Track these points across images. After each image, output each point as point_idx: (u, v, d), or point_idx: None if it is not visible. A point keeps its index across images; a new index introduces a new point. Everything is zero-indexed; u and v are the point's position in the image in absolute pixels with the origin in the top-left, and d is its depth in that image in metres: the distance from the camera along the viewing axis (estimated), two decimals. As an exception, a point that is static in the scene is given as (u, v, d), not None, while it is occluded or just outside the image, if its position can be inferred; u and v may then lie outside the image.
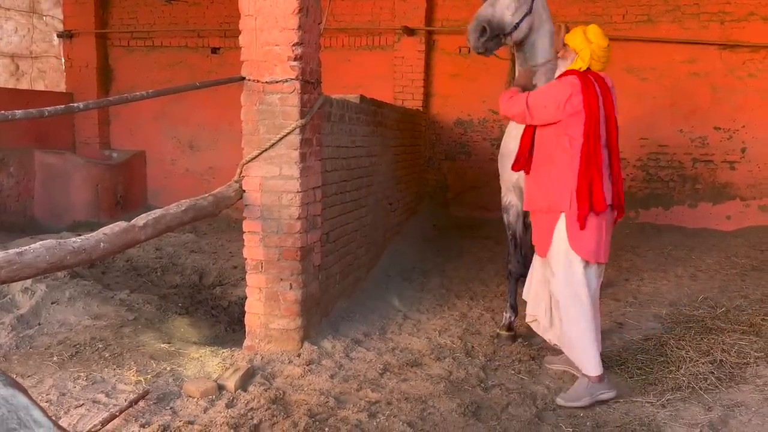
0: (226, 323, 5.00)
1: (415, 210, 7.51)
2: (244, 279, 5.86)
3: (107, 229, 2.68)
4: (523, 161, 3.57)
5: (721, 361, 3.61)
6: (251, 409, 3.11)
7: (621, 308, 4.79)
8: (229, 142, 8.84)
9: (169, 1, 8.12)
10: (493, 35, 3.65)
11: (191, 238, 7.16)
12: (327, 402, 3.19)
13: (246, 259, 3.85)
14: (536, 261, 3.66)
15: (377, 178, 5.54)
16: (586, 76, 3.29)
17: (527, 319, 3.81)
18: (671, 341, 3.92)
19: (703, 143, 7.55)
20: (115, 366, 3.59)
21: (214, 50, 8.80)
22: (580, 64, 3.34)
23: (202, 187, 7.26)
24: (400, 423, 2.97)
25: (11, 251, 2.20)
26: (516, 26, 3.68)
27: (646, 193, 7.79)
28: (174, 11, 8.71)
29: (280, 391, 3.31)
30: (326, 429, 2.92)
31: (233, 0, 8.71)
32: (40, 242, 2.33)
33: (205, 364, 3.69)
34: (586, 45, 3.34)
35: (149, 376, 3.46)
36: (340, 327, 4.22)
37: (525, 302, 3.84)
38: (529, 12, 3.73)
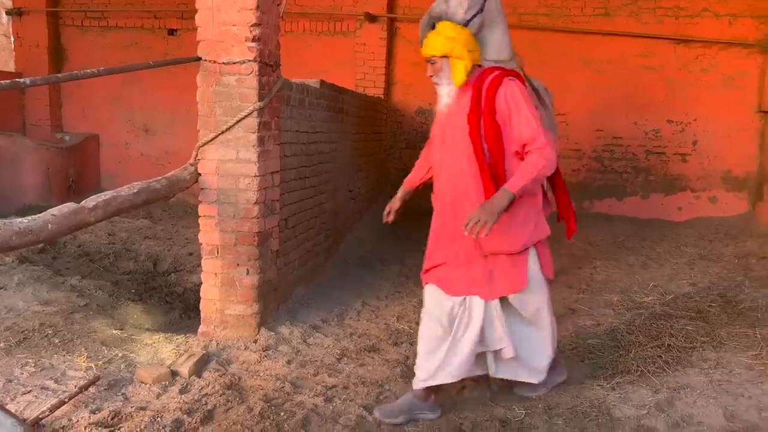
0: (180, 310, 4.92)
1: (376, 198, 7.50)
2: (200, 265, 5.79)
3: (55, 210, 2.60)
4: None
5: (669, 345, 3.73)
6: (205, 394, 3.07)
7: (574, 295, 4.89)
8: (186, 126, 8.61)
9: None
10: None
11: (146, 224, 7.01)
12: (283, 387, 3.18)
13: (202, 244, 3.79)
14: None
15: (337, 165, 5.51)
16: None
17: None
18: (622, 327, 4.03)
19: (656, 136, 7.75)
20: (65, 352, 3.49)
21: (171, 32, 8.58)
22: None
23: (158, 172, 6.99)
24: (356, 406, 2.98)
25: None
26: (467, 23, 3.65)
27: (600, 184, 7.96)
28: (129, -10, 8.46)
29: (236, 377, 3.28)
30: (282, 413, 2.90)
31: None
32: (-12, 221, 2.25)
33: (159, 351, 3.62)
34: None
35: (101, 363, 3.38)
36: (298, 313, 4.20)
37: None
38: (481, 10, 3.66)
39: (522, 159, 2.82)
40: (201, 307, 3.85)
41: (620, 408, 3.04)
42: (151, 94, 8.55)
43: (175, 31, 8.56)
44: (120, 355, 3.53)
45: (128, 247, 6.01)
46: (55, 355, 3.45)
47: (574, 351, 3.73)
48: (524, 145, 2.79)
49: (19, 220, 2.38)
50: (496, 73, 2.89)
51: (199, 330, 3.83)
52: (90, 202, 2.81)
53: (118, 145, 8.89)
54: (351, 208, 6.20)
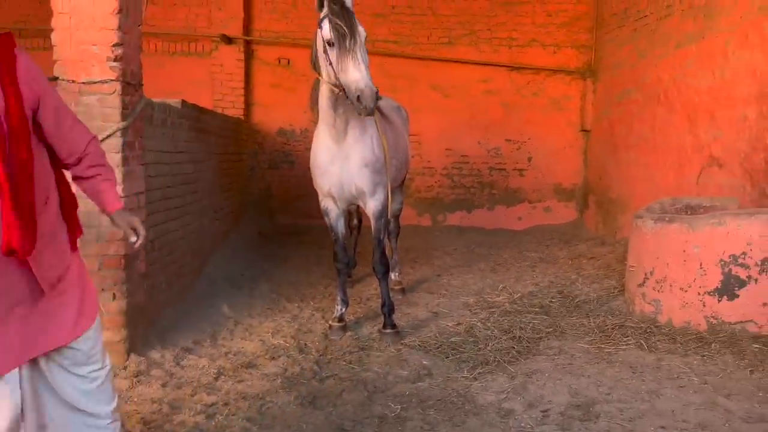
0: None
1: (240, 218, 7.48)
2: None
3: None
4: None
5: (519, 337, 4.18)
6: (77, 425, 2.94)
7: (435, 299, 5.27)
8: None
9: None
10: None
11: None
12: (161, 409, 3.14)
13: (62, 270, 3.61)
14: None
15: (201, 185, 5.47)
16: None
17: None
18: (479, 324, 4.43)
19: (497, 153, 8.52)
20: None
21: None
22: None
23: None
24: (240, 420, 3.03)
25: None
26: None
27: (452, 199, 8.58)
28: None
29: (108, 405, 3.17)
30: (163, 434, 2.88)
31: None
32: None
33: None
34: None
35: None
36: (169, 336, 4.12)
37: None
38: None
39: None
40: (63, 336, 3.65)
41: (483, 395, 3.38)
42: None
43: (11, 47, 7.92)
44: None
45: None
46: None
47: (439, 349, 4.05)
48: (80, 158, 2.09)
49: None
50: None
51: (62, 361, 3.63)
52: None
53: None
54: (216, 228, 6.15)
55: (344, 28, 3.64)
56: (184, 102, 4.90)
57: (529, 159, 8.53)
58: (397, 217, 5.65)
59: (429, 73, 8.26)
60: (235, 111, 7.83)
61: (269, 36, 7.96)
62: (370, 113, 3.67)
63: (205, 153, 5.66)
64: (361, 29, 3.71)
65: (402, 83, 8.02)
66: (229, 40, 7.82)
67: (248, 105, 8.15)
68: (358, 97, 3.60)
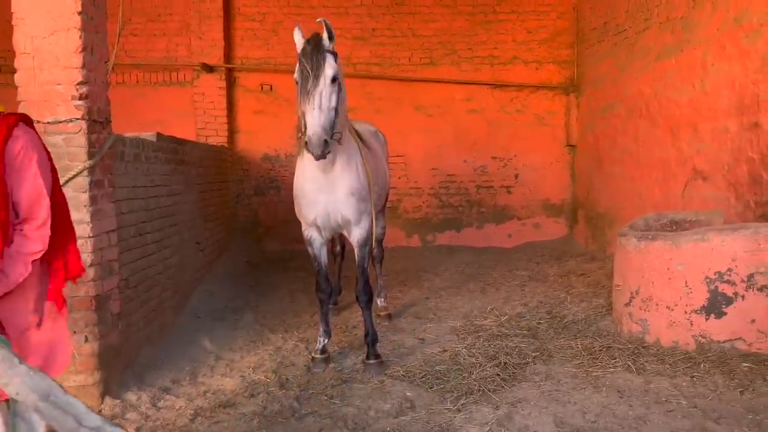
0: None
1: (227, 247, 7.40)
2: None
3: None
4: None
5: (505, 363, 4.08)
6: (45, 477, 2.84)
7: (422, 325, 5.18)
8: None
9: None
10: (328, 141, 3.60)
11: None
12: (133, 456, 3.04)
13: (32, 314, 3.53)
14: None
15: (182, 217, 5.40)
16: None
17: None
18: (464, 350, 4.34)
19: (484, 171, 8.48)
20: None
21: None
22: None
23: None
24: (213, 465, 2.93)
25: None
26: (336, 113, 3.71)
27: (441, 218, 8.52)
28: None
29: (79, 453, 3.07)
30: (133, 484, 2.77)
31: (7, 35, 7.99)
32: None
33: (-14, 437, 3.29)
34: None
35: None
36: (146, 376, 4.02)
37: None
38: (340, 93, 3.78)
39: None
40: (34, 382, 3.55)
41: (466, 428, 3.28)
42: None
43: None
44: (-63, 448, 3.15)
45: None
46: None
47: (424, 379, 3.95)
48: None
49: None
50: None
51: (34, 408, 3.52)
52: None
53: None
54: (200, 260, 6.07)
55: (308, 70, 3.62)
56: (159, 135, 4.84)
57: (516, 176, 8.49)
58: (380, 241, 5.58)
59: (412, 93, 8.25)
60: (219, 139, 7.79)
61: (250, 63, 7.95)
62: (317, 158, 3.64)
63: (185, 184, 5.60)
64: (328, 72, 3.64)
65: (385, 105, 8.00)
66: (210, 68, 7.81)
67: (232, 132, 8.11)
68: (306, 142, 3.58)
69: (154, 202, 4.66)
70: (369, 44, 8.21)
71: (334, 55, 3.74)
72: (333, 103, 3.67)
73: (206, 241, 6.41)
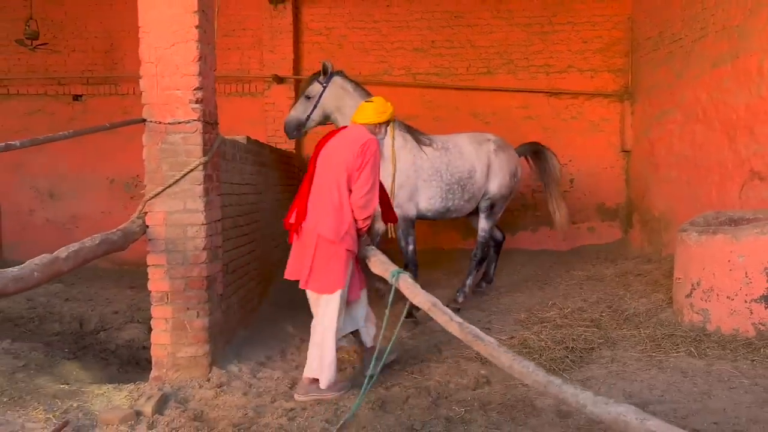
0: (117, 365, 5.00)
1: (294, 247, 7.84)
2: (128, 323, 5.89)
3: (37, 260, 2.81)
4: None
5: (572, 348, 4.38)
6: (174, 428, 3.28)
7: (487, 317, 5.49)
8: (94, 190, 8.67)
9: (34, 48, 7.88)
10: (296, 128, 5.92)
11: (60, 288, 6.90)
12: (246, 414, 3.45)
13: (151, 292, 4.00)
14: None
15: (263, 215, 5.86)
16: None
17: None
18: (532, 336, 4.64)
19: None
20: (17, 408, 3.53)
21: (76, 97, 8.62)
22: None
23: (65, 237, 6.99)
24: (319, 421, 3.33)
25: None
26: (308, 118, 5.86)
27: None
28: (32, 59, 8.44)
29: (198, 411, 3.50)
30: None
31: (96, 49, 8.76)
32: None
33: (112, 399, 3.74)
34: None
35: (58, 413, 3.47)
36: (243, 353, 4.45)
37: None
38: (314, 109, 5.80)
39: None
40: (152, 352, 4.01)
41: (541, 399, 3.59)
42: (56, 160, 8.47)
43: (80, 96, 8.62)
44: (75, 405, 3.62)
45: (50, 310, 5.96)
46: (9, 412, 3.49)
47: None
48: None
49: (11, 269, 2.58)
50: None
51: (151, 375, 3.98)
52: (62, 252, 3.02)
53: (20, 213, 8.66)
54: (275, 256, 6.52)
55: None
56: (248, 138, 5.32)
57: (571, 180, 8.72)
58: (482, 242, 6.25)
59: (469, 102, 8.60)
60: (287, 145, 8.27)
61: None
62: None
63: (265, 185, 6.07)
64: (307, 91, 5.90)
65: (443, 113, 8.37)
66: (280, 79, 8.34)
67: (298, 139, 8.59)
68: None
69: (244, 198, 5.12)
70: (429, 55, 8.60)
71: (321, 83, 5.77)
72: (299, 112, 5.88)
73: (278, 240, 6.86)
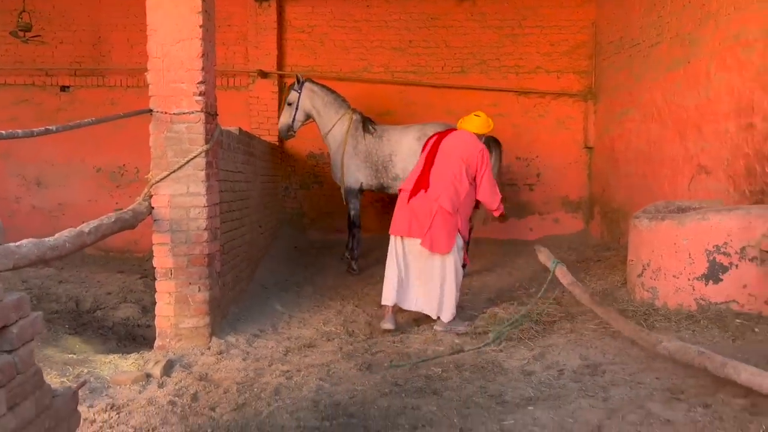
0: (116, 340, 5.33)
1: (277, 234, 8.25)
2: (121, 303, 6.22)
3: (66, 233, 3.17)
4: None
5: (537, 320, 4.88)
6: (183, 386, 3.67)
7: (461, 297, 5.93)
8: (82, 178, 8.91)
9: (27, 40, 8.09)
10: (287, 131, 7.51)
11: (53, 272, 7.15)
12: (247, 374, 3.86)
13: (156, 268, 4.37)
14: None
15: (251, 202, 6.25)
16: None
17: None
18: (501, 311, 5.14)
19: (509, 170, 9.27)
20: (36, 371, 3.88)
21: (64, 88, 8.84)
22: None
23: (51, 224, 7.31)
24: (314, 379, 3.75)
25: (10, 245, 2.67)
26: (294, 120, 7.39)
27: (469, 213, 9.30)
28: (20, 50, 8.63)
29: (203, 373, 3.90)
30: (255, 388, 3.60)
31: (83, 41, 8.98)
32: (26, 239, 2.81)
33: (120, 366, 4.11)
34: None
35: (71, 377, 3.82)
36: (237, 326, 4.85)
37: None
38: (296, 111, 7.34)
39: None
40: (156, 323, 4.39)
41: (508, 362, 4.08)
42: (44, 149, 8.67)
43: (68, 87, 8.85)
44: (86, 371, 3.97)
45: (46, 291, 6.23)
46: (28, 375, 3.83)
47: (469, 331, 4.76)
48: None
49: (47, 239, 2.95)
50: None
51: (156, 344, 4.36)
52: (85, 227, 3.39)
53: (7, 200, 8.85)
54: (261, 241, 6.91)
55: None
56: (240, 129, 5.70)
57: (538, 175, 9.27)
58: None
59: (444, 99, 9.07)
60: (271, 138, 8.63)
61: (300, 70, 8.79)
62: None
63: (253, 174, 6.46)
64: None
65: (420, 109, 8.82)
66: (264, 74, 8.70)
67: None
68: None
69: (237, 185, 5.50)
70: (406, 54, 9.05)
71: (296, 90, 7.33)
72: (285, 118, 7.41)
73: (264, 226, 7.26)
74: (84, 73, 8.80)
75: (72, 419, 2.29)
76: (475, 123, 5.29)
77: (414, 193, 4.96)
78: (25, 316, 2.03)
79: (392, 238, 5.05)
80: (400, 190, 5.17)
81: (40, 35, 8.36)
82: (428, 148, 5.19)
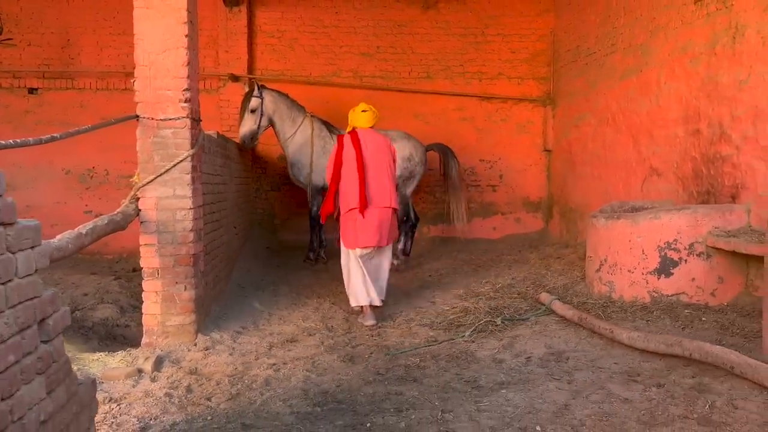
0: (97, 339, 5.44)
1: (249, 235, 8.41)
2: (99, 304, 6.31)
3: (67, 234, 3.33)
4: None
5: (504, 314, 5.22)
6: (176, 380, 3.85)
7: (432, 292, 6.29)
8: (50, 180, 8.89)
9: (-1, 42, 8.06)
10: (251, 138, 7.77)
11: (24, 275, 7.17)
12: (236, 368, 4.07)
13: (143, 268, 4.52)
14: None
15: (227, 204, 6.42)
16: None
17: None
18: (471, 305, 5.46)
19: (473, 172, 9.66)
20: (28, 369, 4.00)
21: (32, 90, 8.81)
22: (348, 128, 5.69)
23: None
24: (300, 370, 3.99)
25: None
26: (259, 127, 7.72)
27: (434, 213, 9.65)
28: (-14, 52, 8.59)
29: (193, 367, 4.08)
30: (245, 380, 3.81)
31: (52, 44, 8.97)
32: (34, 240, 2.96)
33: (107, 363, 4.25)
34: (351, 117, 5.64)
35: (64, 374, 3.96)
36: (220, 323, 5.03)
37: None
38: (261, 117, 7.68)
39: None
40: (143, 321, 4.54)
41: (480, 351, 4.39)
42: (11, 150, 8.57)
43: (36, 89, 8.81)
44: (75, 368, 4.10)
45: (22, 293, 6.27)
46: (20, 373, 3.95)
47: (441, 325, 5.06)
48: None
49: (52, 240, 3.11)
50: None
51: (143, 341, 4.52)
52: (83, 228, 3.55)
53: (-28, 202, 8.73)
54: (236, 242, 7.08)
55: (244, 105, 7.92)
56: (218, 133, 5.88)
57: (501, 176, 9.68)
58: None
59: (411, 104, 9.39)
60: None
61: (270, 74, 9.00)
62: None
63: (229, 176, 6.62)
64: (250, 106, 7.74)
65: (388, 113, 9.06)
66: (235, 78, 8.85)
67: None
68: None
69: (216, 188, 5.67)
70: (374, 60, 9.33)
71: (257, 97, 7.65)
72: (248, 126, 7.74)
73: (239, 227, 7.42)
74: (52, 75, 8.79)
75: (92, 405, 2.49)
76: (371, 117, 5.58)
77: (363, 206, 5.26)
78: (57, 310, 2.21)
79: (349, 251, 5.39)
80: (348, 210, 5.33)
81: (11, 38, 8.31)
82: (348, 159, 5.39)
